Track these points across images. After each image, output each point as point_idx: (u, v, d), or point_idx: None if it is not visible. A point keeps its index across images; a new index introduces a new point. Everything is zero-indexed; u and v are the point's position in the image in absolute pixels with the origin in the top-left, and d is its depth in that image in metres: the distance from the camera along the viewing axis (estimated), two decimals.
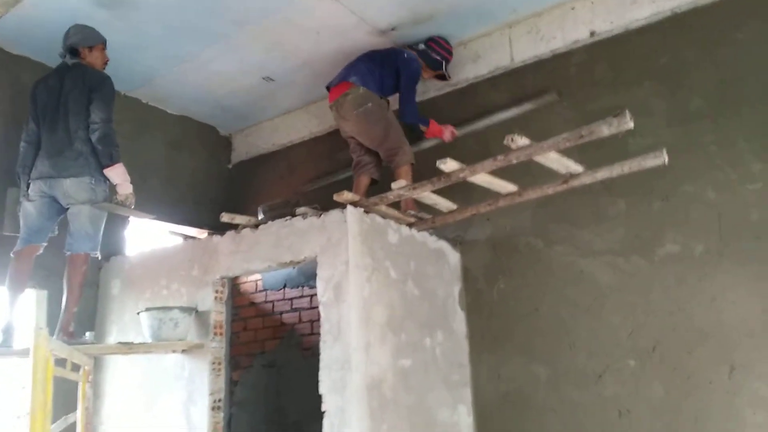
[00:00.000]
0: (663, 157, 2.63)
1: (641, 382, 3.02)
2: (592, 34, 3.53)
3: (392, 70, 3.68)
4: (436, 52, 3.78)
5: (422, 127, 3.70)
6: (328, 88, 3.79)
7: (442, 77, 3.90)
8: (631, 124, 2.30)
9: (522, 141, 2.45)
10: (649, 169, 2.77)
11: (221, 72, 4.23)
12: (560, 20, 3.64)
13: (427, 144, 3.87)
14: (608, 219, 3.27)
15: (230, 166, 5.16)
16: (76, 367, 2.66)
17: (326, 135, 4.62)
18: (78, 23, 3.37)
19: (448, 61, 3.83)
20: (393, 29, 3.82)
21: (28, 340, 3.39)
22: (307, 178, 4.64)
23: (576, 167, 2.75)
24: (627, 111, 2.31)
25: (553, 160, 2.64)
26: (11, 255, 3.13)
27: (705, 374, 2.87)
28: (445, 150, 3.61)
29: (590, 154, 2.99)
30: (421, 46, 3.79)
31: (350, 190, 3.52)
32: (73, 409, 3.10)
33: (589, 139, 2.41)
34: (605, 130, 2.33)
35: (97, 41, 3.37)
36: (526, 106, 3.60)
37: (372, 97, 3.58)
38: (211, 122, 5.03)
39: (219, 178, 5.03)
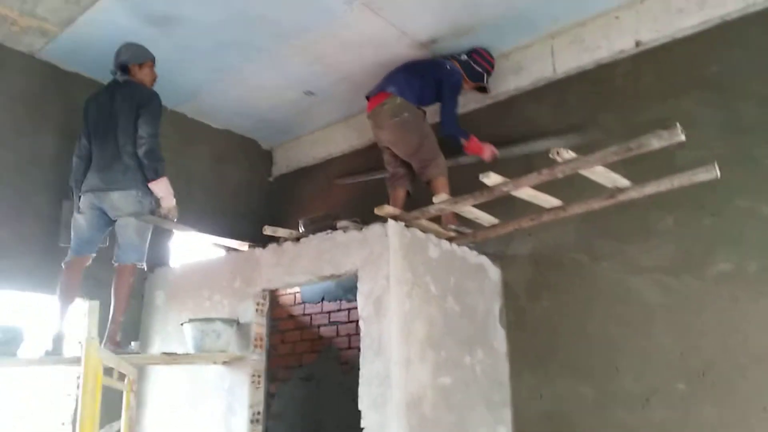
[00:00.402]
0: (714, 171, 2.53)
1: (692, 407, 2.88)
2: (638, 43, 3.44)
3: (433, 81, 3.66)
4: (478, 64, 3.75)
5: (462, 141, 3.65)
6: (367, 98, 3.80)
7: (483, 89, 3.86)
8: (682, 137, 2.23)
9: (568, 154, 2.40)
10: (699, 183, 2.68)
11: (263, 86, 4.30)
12: (604, 30, 3.56)
13: (466, 160, 3.79)
14: (656, 235, 3.16)
15: (271, 179, 5.22)
16: (121, 376, 2.71)
17: (366, 148, 4.62)
18: (128, 41, 3.48)
19: (489, 74, 3.80)
20: (433, 42, 3.81)
21: (78, 350, 3.50)
22: (345, 187, 4.64)
23: (623, 181, 2.68)
24: (678, 124, 2.23)
25: (599, 174, 2.57)
26: (62, 266, 3.23)
27: (760, 399, 2.72)
28: (485, 163, 3.57)
29: (635, 167, 2.90)
30: (464, 57, 3.76)
31: (381, 197, 3.53)
32: (115, 417, 3.17)
33: (638, 152, 2.33)
34: (655, 143, 2.25)
35: (147, 58, 3.48)
36: (573, 140, 3.39)
37: (408, 107, 3.58)
38: (253, 136, 5.11)
39: (260, 191, 5.10)
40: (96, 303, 2.00)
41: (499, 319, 3.49)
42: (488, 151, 3.64)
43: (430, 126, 3.69)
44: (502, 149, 3.67)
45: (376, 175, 4.33)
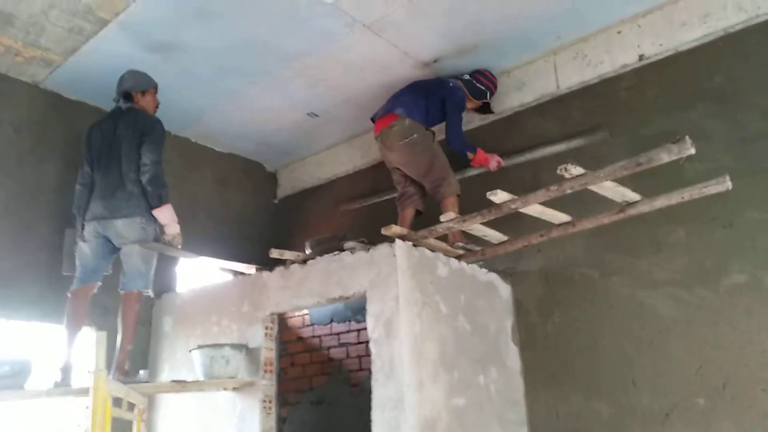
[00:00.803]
0: (726, 183, 2.51)
1: (713, 422, 2.83)
2: (641, 57, 3.44)
3: (438, 100, 3.67)
4: (480, 83, 3.77)
5: (469, 155, 3.66)
6: (373, 119, 3.81)
7: (487, 107, 3.87)
8: (692, 150, 2.21)
9: (576, 170, 2.38)
10: (709, 195, 2.65)
11: (267, 109, 4.31)
12: (607, 44, 3.57)
13: (472, 172, 3.83)
14: (668, 248, 3.13)
15: (276, 201, 5.21)
16: (130, 406, 2.67)
17: (370, 168, 4.62)
18: (131, 69, 3.49)
19: (492, 93, 3.81)
20: (435, 61, 3.82)
21: (87, 381, 3.46)
22: (351, 207, 4.63)
23: (633, 195, 2.66)
24: (687, 137, 2.22)
25: (608, 188, 2.56)
26: (68, 295, 3.20)
27: None
28: (492, 180, 3.55)
29: (644, 181, 2.89)
30: (466, 76, 3.79)
31: (388, 216, 3.51)
32: None
33: (648, 166, 2.32)
34: (665, 157, 2.24)
35: (150, 86, 3.49)
36: (576, 142, 3.52)
37: (417, 128, 3.58)
38: (257, 158, 5.11)
39: (265, 213, 5.09)
40: (103, 333, 1.97)
41: (512, 336, 3.45)
42: (494, 162, 3.66)
43: (439, 145, 3.69)
44: (508, 158, 3.71)
45: (381, 197, 4.33)
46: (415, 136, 3.55)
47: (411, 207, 3.70)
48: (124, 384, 2.65)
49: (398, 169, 3.74)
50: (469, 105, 3.83)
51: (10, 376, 2.61)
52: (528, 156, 3.67)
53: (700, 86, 3.22)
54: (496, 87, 3.83)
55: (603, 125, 3.47)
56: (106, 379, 1.93)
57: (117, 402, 2.31)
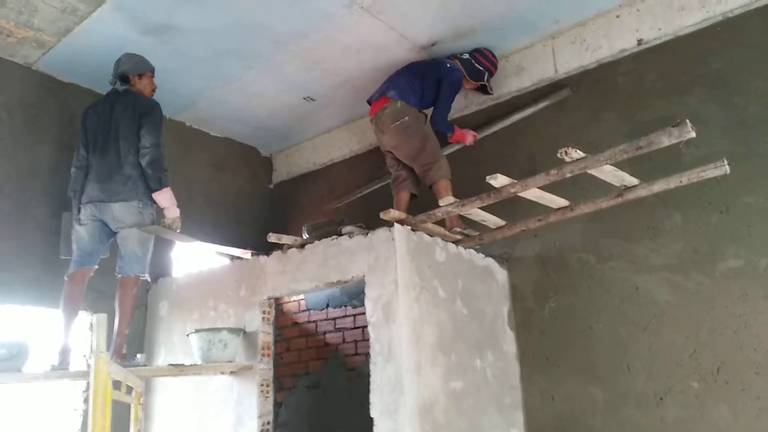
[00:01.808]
0: (724, 167, 2.52)
1: (706, 405, 2.87)
2: (640, 42, 3.43)
3: (434, 81, 3.65)
4: (479, 63, 3.74)
5: (448, 135, 3.74)
6: (369, 102, 3.79)
7: (485, 89, 3.85)
8: (692, 134, 2.21)
9: (576, 154, 2.38)
10: (706, 180, 2.67)
11: (262, 93, 4.27)
12: (605, 29, 3.56)
13: (451, 149, 3.89)
14: (664, 233, 3.15)
15: (271, 186, 5.19)
16: (128, 390, 2.67)
17: (366, 153, 4.61)
18: (128, 52, 3.45)
19: (491, 73, 3.79)
20: (433, 44, 3.80)
21: (84, 363, 3.45)
22: (347, 193, 4.62)
23: (631, 180, 2.66)
24: (687, 120, 2.22)
25: (607, 172, 2.56)
26: (65, 278, 3.18)
27: None
28: (487, 166, 3.54)
29: (641, 166, 2.90)
30: (465, 56, 3.76)
31: (385, 201, 3.51)
32: (123, 431, 3.11)
33: (648, 150, 2.32)
34: (665, 140, 2.23)
35: (147, 69, 3.46)
36: (543, 103, 3.65)
37: (409, 111, 3.57)
38: (253, 143, 5.08)
39: (261, 198, 5.07)
40: (104, 316, 1.96)
41: (508, 321, 3.47)
42: (470, 137, 3.75)
43: (431, 129, 3.67)
44: (482, 130, 3.82)
45: (369, 187, 4.34)
46: (406, 118, 3.54)
47: (405, 191, 3.71)
48: (122, 367, 2.64)
49: (391, 152, 3.73)
50: (467, 86, 3.82)
51: (8, 359, 2.60)
52: (500, 125, 3.79)
53: (699, 71, 3.22)
54: (495, 67, 3.81)
55: (570, 86, 3.62)
56: (107, 362, 1.92)
57: (116, 385, 2.30)
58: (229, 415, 3.27)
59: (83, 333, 3.59)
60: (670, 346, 3.01)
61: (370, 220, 3.22)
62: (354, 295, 4.33)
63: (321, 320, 4.53)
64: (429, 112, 3.74)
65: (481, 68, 3.74)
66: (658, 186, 2.66)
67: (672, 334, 3.02)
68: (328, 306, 4.51)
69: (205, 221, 4.47)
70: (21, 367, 2.67)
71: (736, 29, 3.17)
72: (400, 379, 2.64)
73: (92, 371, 1.90)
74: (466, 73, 3.74)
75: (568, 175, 2.50)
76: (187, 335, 3.26)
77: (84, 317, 3.57)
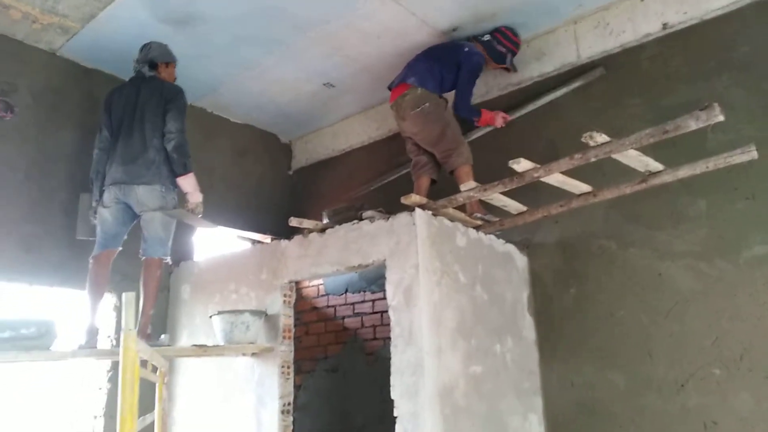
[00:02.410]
0: (752, 152, 2.49)
1: (728, 392, 2.85)
2: (665, 26, 3.38)
3: (453, 65, 3.61)
4: (501, 44, 3.69)
5: (475, 119, 3.68)
6: (390, 88, 3.78)
7: (508, 69, 3.81)
8: (721, 117, 2.18)
9: (601, 138, 2.36)
10: (732, 166, 2.63)
11: (282, 79, 4.29)
12: (629, 13, 3.51)
13: (478, 133, 3.85)
14: (688, 220, 3.12)
15: (291, 173, 5.22)
16: (153, 369, 2.72)
17: (386, 139, 4.61)
18: (153, 39, 3.49)
19: (514, 53, 3.74)
20: (454, 29, 3.78)
21: (108, 343, 3.52)
22: (366, 178, 4.64)
23: (656, 165, 2.64)
24: (716, 104, 2.19)
25: (632, 157, 2.54)
26: (89, 260, 3.24)
27: None
28: (508, 151, 3.52)
29: (665, 151, 2.86)
30: (486, 37, 3.70)
31: (404, 187, 3.50)
32: (143, 410, 3.18)
33: (674, 134, 2.29)
34: (692, 124, 2.21)
35: (173, 59, 3.54)
36: (576, 83, 3.56)
37: (429, 97, 3.55)
38: (273, 130, 5.10)
39: (280, 184, 5.10)
40: (132, 294, 1.99)
41: (527, 307, 3.47)
42: (499, 118, 3.67)
43: (452, 114, 3.66)
44: (512, 112, 3.73)
45: (392, 174, 4.32)
46: (426, 105, 3.52)
47: (426, 176, 3.69)
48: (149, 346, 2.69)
49: (411, 138, 3.72)
50: (489, 66, 3.77)
51: (37, 338, 2.66)
52: (531, 107, 3.71)
53: (725, 55, 3.17)
54: (518, 47, 3.75)
55: (602, 66, 3.55)
56: (136, 339, 1.96)
57: (142, 364, 2.35)
58: (251, 396, 3.32)
59: (108, 314, 3.66)
60: (693, 333, 2.99)
61: (389, 205, 3.23)
62: (372, 280, 4.35)
63: (340, 305, 4.57)
64: (450, 96, 3.71)
65: (504, 49, 3.69)
66: (684, 171, 2.64)
67: (694, 321, 3.00)
68: (346, 291, 4.54)
69: (226, 206, 4.51)
70: (49, 345, 2.73)
71: (764, 12, 3.11)
72: (421, 362, 2.66)
73: (121, 348, 1.94)
74: (489, 55, 3.69)
75: (593, 159, 2.48)
76: (210, 317, 3.30)
77: (108, 299, 3.63)
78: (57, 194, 3.66)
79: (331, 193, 4.85)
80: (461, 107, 3.61)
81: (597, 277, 3.34)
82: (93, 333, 3.00)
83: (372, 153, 4.71)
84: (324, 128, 5.04)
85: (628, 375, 3.13)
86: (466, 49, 3.65)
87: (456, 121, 3.65)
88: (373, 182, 4.53)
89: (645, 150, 2.61)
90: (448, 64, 3.62)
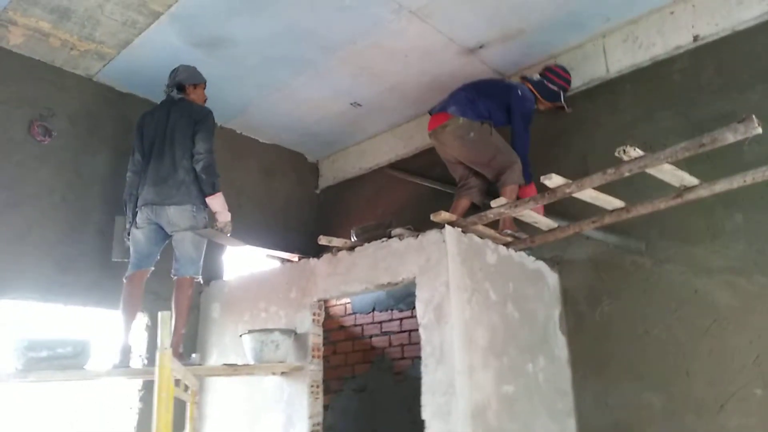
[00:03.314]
0: None
1: None
2: (696, 38, 3.34)
3: (502, 105, 3.50)
4: (552, 82, 3.60)
5: (525, 179, 3.42)
6: (430, 113, 3.68)
7: (561, 108, 3.69)
8: (759, 129, 2.13)
9: (635, 152, 2.32)
10: None
11: (310, 99, 4.34)
12: (659, 26, 3.48)
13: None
14: (724, 234, 3.04)
15: (318, 191, 5.26)
16: (185, 388, 2.73)
17: (412, 157, 4.62)
18: (184, 63, 3.57)
19: (566, 90, 3.64)
20: (481, 47, 3.78)
21: (140, 362, 3.56)
22: (393, 198, 4.63)
23: (691, 180, 2.58)
24: (753, 116, 2.14)
25: (666, 172, 2.49)
26: (123, 280, 3.29)
27: None
28: (539, 166, 3.49)
29: (699, 166, 2.80)
30: (536, 77, 3.63)
31: (435, 200, 3.38)
32: (176, 430, 3.19)
33: (711, 147, 2.25)
34: (730, 137, 2.16)
35: (201, 80, 3.59)
36: (612, 239, 3.30)
37: (472, 126, 3.42)
38: (300, 149, 5.17)
39: (308, 203, 5.15)
40: (167, 314, 2.02)
41: (559, 325, 3.41)
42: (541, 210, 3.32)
43: (499, 135, 3.50)
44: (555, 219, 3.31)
45: (430, 182, 4.27)
46: (471, 135, 3.40)
47: (467, 198, 3.58)
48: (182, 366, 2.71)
49: (460, 162, 3.58)
50: (541, 106, 3.65)
51: (72, 357, 2.70)
52: (576, 228, 3.24)
53: (759, 66, 3.11)
54: (569, 83, 3.65)
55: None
56: (171, 358, 1.98)
57: (176, 383, 2.37)
58: (280, 415, 3.31)
59: (140, 334, 3.71)
60: (732, 351, 2.90)
61: (418, 223, 3.22)
62: (400, 298, 4.33)
63: (367, 324, 4.55)
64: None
65: (556, 88, 3.60)
66: (721, 186, 2.58)
67: (733, 338, 2.91)
68: (374, 310, 4.52)
69: (254, 226, 4.56)
70: (84, 364, 2.77)
71: None
72: (453, 381, 2.62)
73: (157, 367, 1.96)
74: (541, 95, 3.59)
75: (626, 174, 2.44)
76: (240, 336, 3.32)
77: (141, 318, 3.68)
78: (91, 216, 3.75)
79: (358, 211, 4.86)
80: (520, 155, 3.44)
81: (631, 294, 3.27)
82: (126, 352, 3.04)
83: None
84: (351, 147, 5.07)
85: (665, 395, 3.04)
86: (519, 92, 3.53)
87: (505, 142, 3.50)
88: (411, 176, 4.40)
89: (679, 164, 2.57)
90: (497, 102, 3.50)
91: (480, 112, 3.45)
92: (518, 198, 3.22)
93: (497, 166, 3.42)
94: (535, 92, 3.60)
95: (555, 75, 3.64)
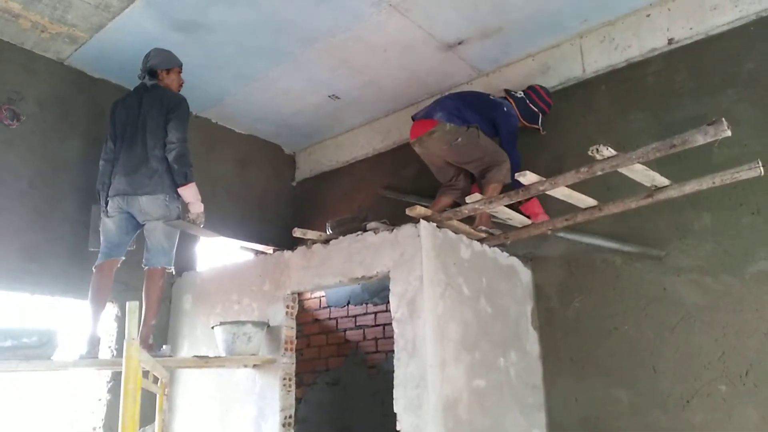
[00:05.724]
0: (759, 169, 2.48)
1: (734, 409, 2.82)
2: (670, 41, 3.40)
3: (488, 118, 3.50)
4: (534, 103, 3.61)
5: (507, 181, 3.40)
6: (413, 118, 3.67)
7: (537, 130, 3.69)
8: (728, 132, 2.18)
9: (608, 152, 2.35)
10: (738, 181, 2.63)
11: (288, 90, 4.30)
12: (635, 28, 3.53)
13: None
14: (693, 234, 3.11)
15: (294, 184, 5.22)
16: (155, 379, 2.70)
17: (390, 151, 4.62)
18: (157, 47, 3.49)
19: (545, 114, 3.65)
20: (460, 43, 3.79)
21: (109, 353, 3.49)
22: (368, 191, 4.62)
23: (662, 180, 2.63)
24: (723, 119, 2.19)
25: (638, 172, 2.53)
26: (93, 269, 3.22)
27: None
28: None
29: (670, 167, 2.86)
30: (520, 94, 3.63)
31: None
32: (144, 422, 3.14)
33: (681, 148, 2.29)
34: (700, 138, 2.21)
35: (175, 64, 3.49)
36: (629, 248, 3.26)
37: (459, 131, 3.40)
38: (277, 141, 5.12)
39: (283, 195, 5.11)
40: (135, 303, 1.98)
41: (531, 321, 3.45)
42: (542, 216, 3.39)
43: (487, 138, 3.47)
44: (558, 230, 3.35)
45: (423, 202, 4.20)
46: (459, 140, 3.39)
47: (450, 196, 3.60)
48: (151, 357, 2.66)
49: (449, 163, 3.57)
50: (518, 125, 3.62)
51: (38, 346, 2.64)
52: (577, 237, 3.41)
53: (731, 71, 3.18)
54: (550, 108, 3.66)
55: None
56: (138, 349, 1.94)
57: (145, 374, 2.33)
58: (251, 408, 3.29)
59: (109, 324, 3.64)
60: (698, 348, 2.97)
61: (393, 218, 3.22)
62: (375, 292, 4.34)
63: (342, 317, 4.54)
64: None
65: (536, 109, 3.61)
66: (690, 187, 2.63)
67: (700, 336, 2.98)
68: (349, 303, 4.52)
69: (228, 217, 4.51)
70: (51, 355, 2.70)
71: None
72: (424, 374, 2.64)
73: (124, 358, 1.92)
74: (520, 112, 3.60)
75: (599, 173, 2.48)
76: (212, 327, 3.28)
77: (110, 309, 3.62)
78: (60, 203, 3.66)
79: (334, 204, 4.85)
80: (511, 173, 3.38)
81: (601, 292, 3.32)
82: (94, 343, 2.98)
83: (376, 165, 4.71)
84: (328, 140, 5.05)
85: (633, 391, 3.10)
86: (505, 109, 3.53)
87: (493, 142, 3.50)
88: (404, 195, 4.28)
89: (651, 165, 2.61)
90: (482, 115, 3.49)
91: (466, 119, 3.44)
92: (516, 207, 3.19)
93: (485, 165, 3.42)
94: (516, 109, 3.59)
95: (538, 96, 3.64)
